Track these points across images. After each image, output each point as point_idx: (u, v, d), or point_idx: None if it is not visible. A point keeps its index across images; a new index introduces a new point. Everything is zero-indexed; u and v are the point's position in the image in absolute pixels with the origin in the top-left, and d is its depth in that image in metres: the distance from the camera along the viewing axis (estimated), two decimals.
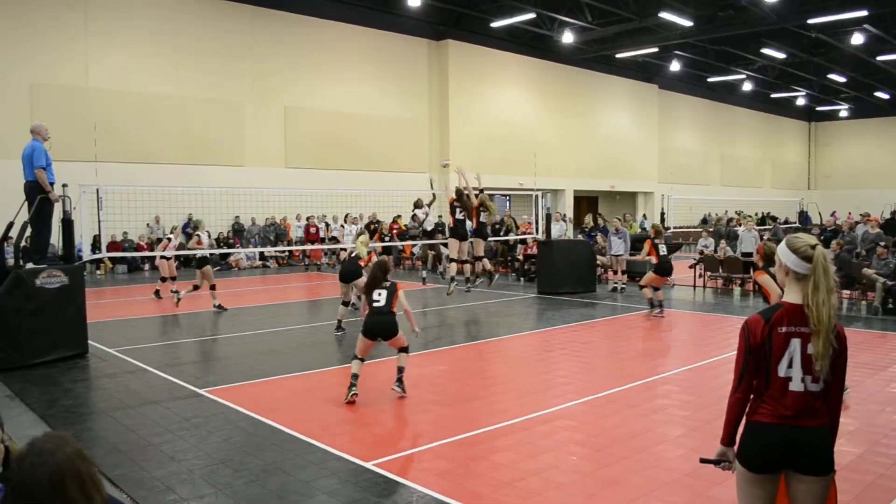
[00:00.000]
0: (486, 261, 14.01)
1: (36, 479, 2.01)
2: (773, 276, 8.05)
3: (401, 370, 7.59)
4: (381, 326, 7.47)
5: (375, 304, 7.50)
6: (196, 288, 14.07)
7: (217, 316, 13.33)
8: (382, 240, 17.93)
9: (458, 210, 13.30)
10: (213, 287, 13.85)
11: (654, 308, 12.99)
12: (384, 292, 7.55)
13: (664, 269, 13.15)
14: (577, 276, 16.44)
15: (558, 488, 5.09)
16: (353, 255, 11.76)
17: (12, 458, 2.08)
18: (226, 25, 24.18)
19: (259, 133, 25.00)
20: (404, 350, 7.66)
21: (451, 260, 13.32)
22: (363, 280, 10.59)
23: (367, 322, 7.51)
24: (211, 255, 14.49)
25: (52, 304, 9.33)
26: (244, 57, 24.60)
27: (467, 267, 13.68)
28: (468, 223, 13.42)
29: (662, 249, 13.28)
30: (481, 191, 13.65)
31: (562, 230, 19.76)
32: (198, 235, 14.14)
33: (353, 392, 7.30)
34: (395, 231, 23.08)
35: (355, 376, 7.39)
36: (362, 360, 7.52)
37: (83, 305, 9.86)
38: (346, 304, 11.69)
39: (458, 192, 13.27)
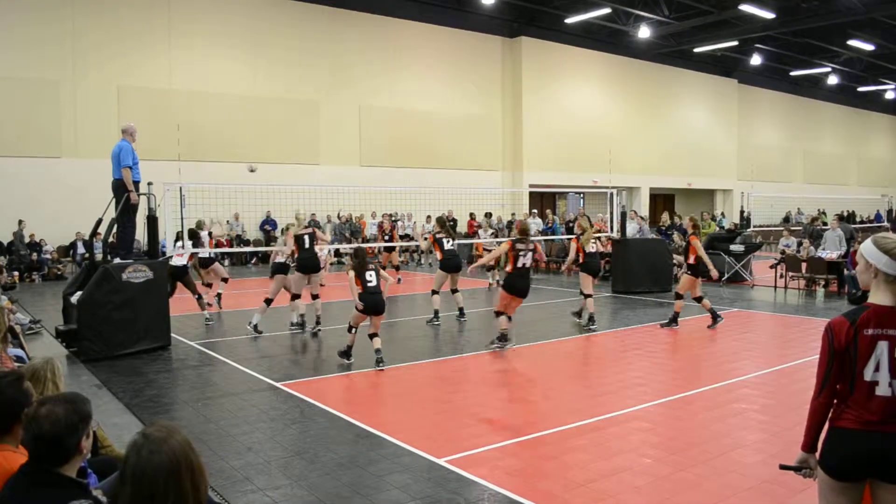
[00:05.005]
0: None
1: (154, 467, 2.12)
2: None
3: None
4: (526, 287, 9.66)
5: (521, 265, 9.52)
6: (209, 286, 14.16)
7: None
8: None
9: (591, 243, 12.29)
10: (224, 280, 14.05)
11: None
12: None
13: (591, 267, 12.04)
14: (653, 276, 16.17)
15: (632, 491, 5.02)
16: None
17: (127, 447, 2.24)
18: (303, 26, 24.71)
19: (335, 132, 25.45)
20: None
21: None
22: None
23: (518, 284, 9.55)
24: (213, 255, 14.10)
25: (138, 297, 9.69)
26: (320, 57, 25.07)
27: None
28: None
29: (592, 247, 12.02)
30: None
31: (636, 229, 19.44)
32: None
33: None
34: (474, 229, 23.22)
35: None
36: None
37: (167, 299, 10.21)
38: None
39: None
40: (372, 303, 8.74)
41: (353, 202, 24.35)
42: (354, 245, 19.72)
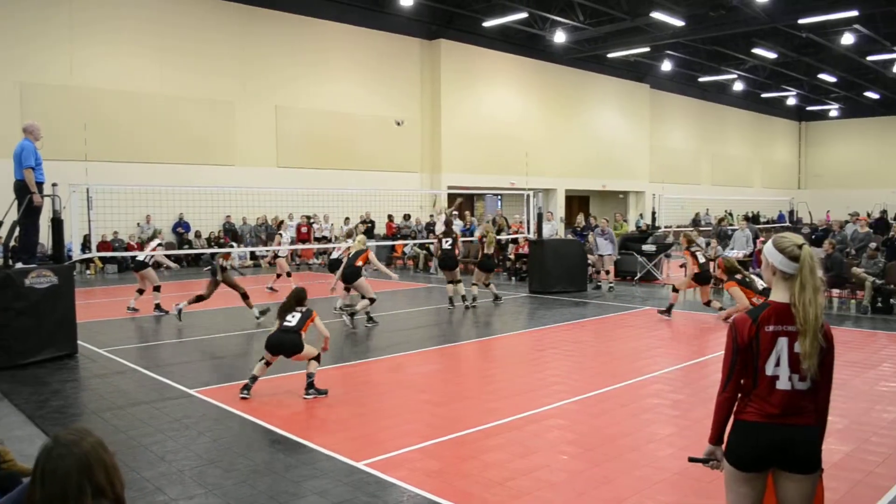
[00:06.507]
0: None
1: (66, 468, 2.17)
2: (742, 284, 8.49)
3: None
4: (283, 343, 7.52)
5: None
6: (141, 292, 13.64)
7: (207, 316, 13.27)
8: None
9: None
10: (156, 289, 13.50)
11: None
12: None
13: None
14: (569, 276, 16.47)
15: (549, 488, 5.10)
16: (350, 255, 12.15)
17: (38, 451, 2.27)
18: (215, 23, 24.05)
19: (250, 132, 24.91)
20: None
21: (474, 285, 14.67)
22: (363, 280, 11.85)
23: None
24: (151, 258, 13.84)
25: (42, 303, 9.28)
26: (235, 56, 24.50)
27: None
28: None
29: (489, 249, 14.43)
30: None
31: (553, 230, 19.77)
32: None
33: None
34: (393, 231, 23.25)
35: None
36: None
37: (73, 305, 9.82)
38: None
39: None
40: (275, 340, 7.53)
41: (270, 203, 23.91)
42: (271, 248, 19.50)
